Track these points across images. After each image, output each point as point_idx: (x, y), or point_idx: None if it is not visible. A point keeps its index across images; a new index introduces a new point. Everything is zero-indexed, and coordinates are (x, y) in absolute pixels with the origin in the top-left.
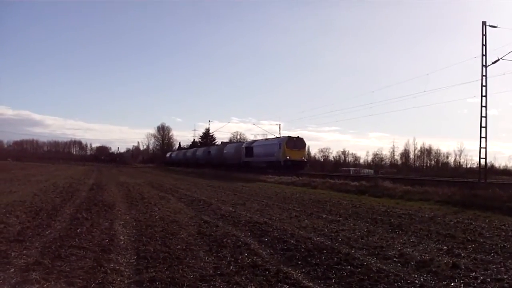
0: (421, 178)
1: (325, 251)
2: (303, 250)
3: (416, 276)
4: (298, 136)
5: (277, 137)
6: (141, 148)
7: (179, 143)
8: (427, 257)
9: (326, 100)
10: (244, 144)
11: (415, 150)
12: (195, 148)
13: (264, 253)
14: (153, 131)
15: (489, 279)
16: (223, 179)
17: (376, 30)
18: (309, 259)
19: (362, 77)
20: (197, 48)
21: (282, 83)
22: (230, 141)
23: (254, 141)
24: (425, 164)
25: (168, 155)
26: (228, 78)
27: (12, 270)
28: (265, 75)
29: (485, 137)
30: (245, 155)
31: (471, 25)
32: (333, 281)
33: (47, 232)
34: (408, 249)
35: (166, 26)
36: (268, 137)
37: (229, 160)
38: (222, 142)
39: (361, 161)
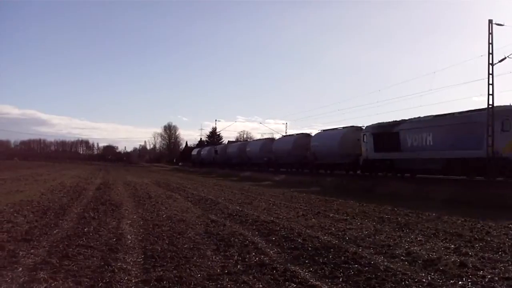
0: (429, 176)
1: (332, 250)
2: (310, 249)
3: (423, 275)
4: None
5: (475, 110)
6: (148, 147)
7: (186, 142)
8: (435, 256)
9: (332, 99)
10: (369, 129)
11: None
12: (240, 143)
13: (271, 252)
14: (159, 130)
15: (496, 278)
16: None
17: (381, 29)
18: (317, 258)
19: (368, 76)
20: (202, 47)
21: (288, 82)
22: (237, 140)
23: (398, 123)
24: None
25: (195, 152)
26: (233, 77)
27: (20, 269)
28: (271, 74)
29: (492, 136)
30: (373, 148)
31: (476, 24)
32: (341, 280)
33: (54, 232)
34: (416, 248)
35: (172, 25)
36: (275, 136)
37: (326, 158)
38: (228, 141)
39: None
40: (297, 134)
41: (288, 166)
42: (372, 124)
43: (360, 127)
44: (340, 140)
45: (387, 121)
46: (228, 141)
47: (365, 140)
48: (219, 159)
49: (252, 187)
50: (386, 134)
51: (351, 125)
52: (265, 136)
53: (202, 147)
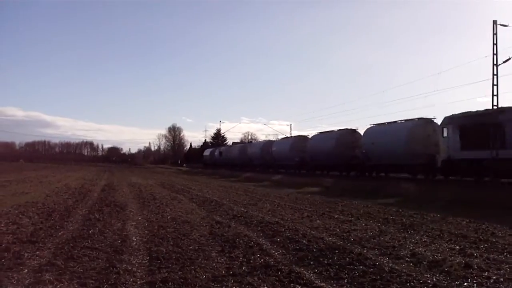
0: (433, 177)
1: (337, 251)
2: (315, 250)
3: (428, 276)
4: None
5: None
6: (152, 149)
7: (190, 143)
8: (440, 257)
9: (337, 100)
10: (452, 121)
11: None
12: (264, 141)
13: (276, 253)
14: (163, 131)
15: (502, 279)
16: None
17: (386, 29)
18: (321, 259)
19: (373, 76)
20: (206, 48)
21: (292, 82)
22: (241, 142)
23: (500, 110)
24: None
25: (207, 153)
26: (237, 78)
27: (25, 271)
28: (275, 75)
29: (495, 137)
30: (460, 145)
31: (481, 24)
32: (346, 281)
33: (59, 233)
34: (420, 249)
35: (176, 26)
36: (279, 136)
37: (384, 158)
38: (233, 142)
39: None
40: (339, 130)
41: (328, 168)
42: (456, 114)
43: (431, 119)
44: (406, 136)
45: (478, 110)
46: (233, 142)
47: (445, 135)
48: (238, 160)
49: (256, 188)
50: (480, 126)
51: (419, 116)
52: (270, 138)
53: (216, 147)
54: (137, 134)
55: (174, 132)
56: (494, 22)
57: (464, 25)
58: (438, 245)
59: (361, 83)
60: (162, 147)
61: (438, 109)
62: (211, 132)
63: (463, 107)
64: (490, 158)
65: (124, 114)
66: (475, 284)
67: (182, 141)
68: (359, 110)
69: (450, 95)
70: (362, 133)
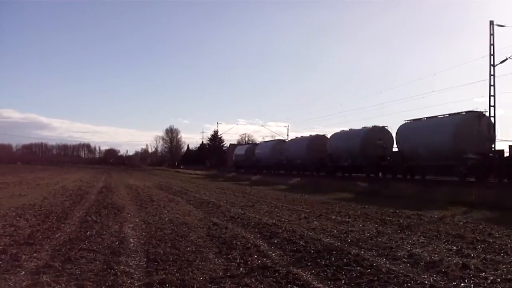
0: (430, 178)
1: (334, 252)
2: (312, 251)
3: (425, 276)
4: None
5: None
6: (150, 150)
7: (188, 145)
8: (437, 258)
9: (334, 101)
10: None
11: None
12: (365, 129)
13: (273, 254)
14: (160, 133)
15: (499, 279)
16: None
17: (383, 30)
18: (319, 260)
19: (371, 77)
20: (203, 49)
21: (289, 84)
22: (239, 143)
23: None
24: None
25: (241, 151)
26: (234, 79)
27: (23, 273)
28: (272, 76)
29: (494, 136)
30: None
31: (479, 25)
32: (343, 282)
33: (57, 235)
34: (418, 250)
35: (172, 28)
36: (276, 138)
37: None
38: (230, 144)
39: None
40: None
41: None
42: None
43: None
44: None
45: None
46: (230, 144)
47: None
48: (302, 161)
49: (253, 190)
50: None
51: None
52: (267, 139)
53: (256, 145)
54: (134, 136)
55: (171, 134)
56: (491, 22)
57: (461, 26)
58: (435, 246)
59: (360, 84)
60: (159, 149)
61: (436, 109)
62: (208, 133)
63: (460, 108)
64: None
65: (121, 116)
66: (472, 285)
67: (179, 142)
68: (357, 111)
69: (447, 95)
70: None
